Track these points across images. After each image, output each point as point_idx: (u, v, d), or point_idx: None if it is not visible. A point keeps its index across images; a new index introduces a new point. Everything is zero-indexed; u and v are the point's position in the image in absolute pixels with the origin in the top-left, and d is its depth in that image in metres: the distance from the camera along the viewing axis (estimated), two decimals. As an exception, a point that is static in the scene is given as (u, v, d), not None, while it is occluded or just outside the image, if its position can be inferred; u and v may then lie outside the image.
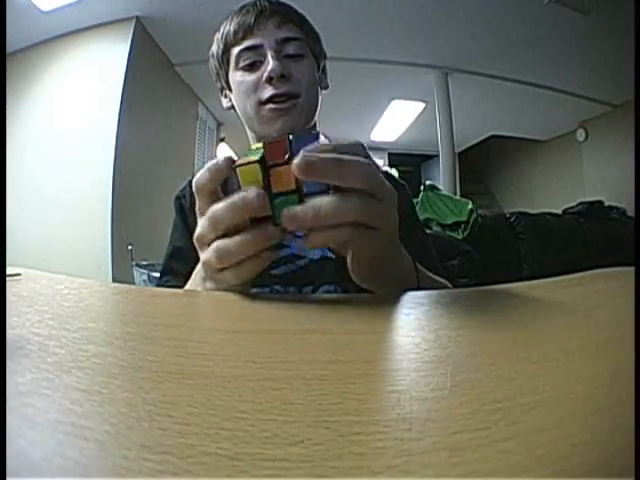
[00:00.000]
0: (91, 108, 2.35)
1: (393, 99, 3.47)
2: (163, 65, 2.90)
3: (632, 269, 0.39)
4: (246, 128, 0.66)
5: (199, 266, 0.37)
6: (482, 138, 4.58)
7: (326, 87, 0.70)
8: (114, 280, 2.10)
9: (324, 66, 0.69)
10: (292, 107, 0.57)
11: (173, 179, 2.79)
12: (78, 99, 2.36)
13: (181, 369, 0.17)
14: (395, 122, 4.02)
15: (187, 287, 0.45)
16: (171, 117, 2.94)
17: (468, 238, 1.97)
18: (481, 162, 5.53)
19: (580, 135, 4.02)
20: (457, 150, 3.94)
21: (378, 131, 4.21)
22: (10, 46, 2.26)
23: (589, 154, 3.98)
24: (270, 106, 0.57)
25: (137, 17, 2.42)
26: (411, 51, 2.56)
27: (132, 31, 2.41)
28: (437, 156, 3.19)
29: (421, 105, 3.60)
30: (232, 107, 0.66)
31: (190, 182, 0.65)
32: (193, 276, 0.42)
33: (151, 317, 0.28)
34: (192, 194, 0.63)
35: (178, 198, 0.69)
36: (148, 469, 0.10)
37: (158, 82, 2.81)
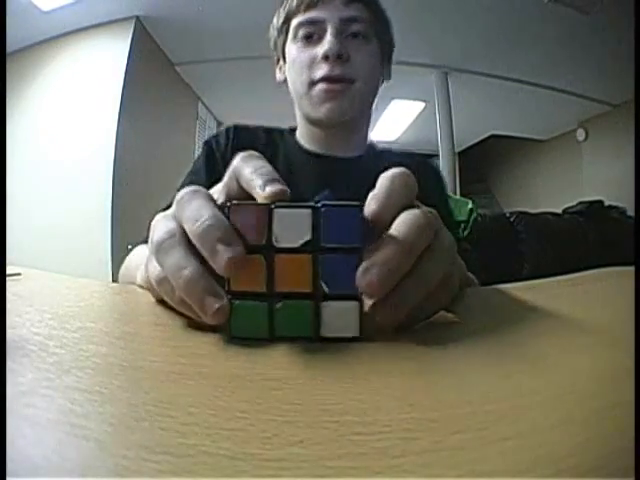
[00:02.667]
0: (91, 108, 2.35)
1: (393, 99, 3.47)
2: (163, 65, 2.90)
3: (632, 269, 0.39)
4: (295, 108, 0.62)
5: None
6: (482, 138, 4.58)
7: (388, 78, 0.65)
8: (114, 280, 2.10)
9: (390, 55, 0.64)
10: (345, 91, 0.53)
11: (173, 179, 2.79)
12: (78, 99, 2.36)
13: (181, 369, 0.17)
14: (395, 122, 4.02)
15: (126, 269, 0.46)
16: (171, 117, 2.94)
17: (468, 238, 1.97)
18: (481, 162, 5.53)
19: (580, 135, 4.02)
20: (457, 150, 3.93)
21: (378, 131, 4.21)
22: (10, 46, 2.26)
23: (589, 154, 3.98)
24: (321, 86, 0.52)
25: (137, 17, 2.42)
26: (411, 51, 2.56)
27: (132, 31, 2.41)
28: (437, 156, 3.18)
29: (421, 105, 3.60)
30: (285, 81, 0.61)
31: (228, 129, 0.61)
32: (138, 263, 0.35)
33: (151, 317, 0.28)
34: (227, 143, 0.57)
35: (208, 142, 0.62)
36: (148, 469, 0.10)
37: (158, 82, 2.80)
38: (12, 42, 2.25)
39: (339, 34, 0.53)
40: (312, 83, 0.54)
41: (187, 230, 0.20)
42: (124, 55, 2.36)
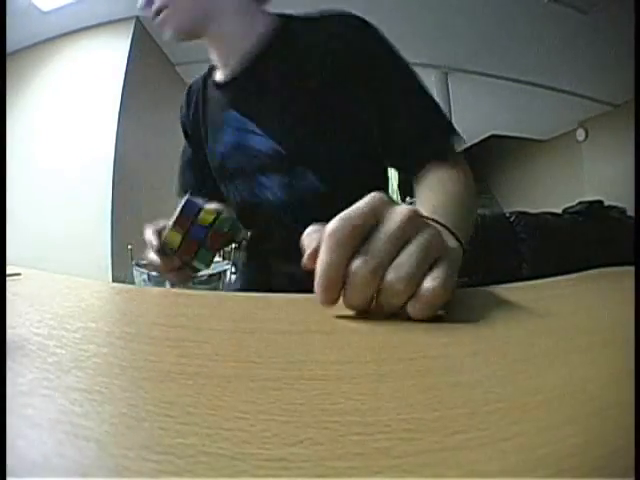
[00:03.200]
0: (91, 108, 2.35)
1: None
2: (163, 65, 2.90)
3: (632, 269, 0.39)
4: None
5: None
6: (482, 138, 4.58)
7: None
8: (114, 280, 2.10)
9: None
10: (163, 19, 0.60)
11: (173, 179, 2.78)
12: (78, 99, 2.36)
13: (181, 369, 0.17)
14: (395, 122, 4.02)
15: None
16: (171, 117, 2.94)
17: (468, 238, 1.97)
18: (481, 162, 5.53)
19: (580, 135, 4.02)
20: (457, 150, 3.93)
21: (378, 131, 4.22)
22: (10, 46, 2.26)
23: (589, 154, 3.98)
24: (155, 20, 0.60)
25: (137, 17, 2.42)
26: (411, 51, 2.56)
27: (132, 31, 2.41)
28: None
29: (421, 105, 3.60)
30: None
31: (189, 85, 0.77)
32: None
33: (151, 317, 0.28)
34: (187, 103, 0.77)
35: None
36: (148, 469, 0.10)
37: (158, 82, 2.81)
38: (12, 42, 2.25)
39: None
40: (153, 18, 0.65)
41: None
42: (124, 55, 2.36)
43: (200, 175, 0.78)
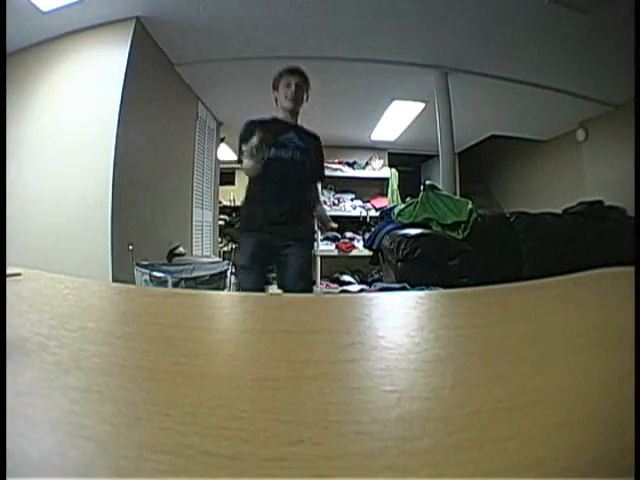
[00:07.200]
0: (91, 108, 2.35)
1: (393, 99, 3.47)
2: (163, 65, 2.90)
3: (632, 269, 0.39)
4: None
5: None
6: (482, 138, 4.58)
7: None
8: (114, 280, 2.10)
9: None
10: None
11: (173, 179, 2.79)
12: (78, 99, 2.36)
13: (181, 369, 0.17)
14: (395, 122, 4.02)
15: None
16: (171, 117, 2.94)
17: (468, 238, 1.97)
18: (481, 162, 5.53)
19: (580, 135, 4.02)
20: (457, 150, 3.93)
21: (378, 131, 4.21)
22: (10, 46, 2.26)
23: (589, 154, 3.97)
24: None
25: (137, 17, 2.42)
26: (411, 51, 2.56)
27: (132, 31, 2.41)
28: (437, 156, 3.18)
29: (421, 105, 3.60)
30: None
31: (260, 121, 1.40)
32: None
33: (151, 317, 0.28)
34: (260, 122, 1.42)
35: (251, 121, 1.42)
36: (148, 469, 0.10)
37: (158, 82, 2.81)
38: (12, 42, 2.24)
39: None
40: (285, 97, 1.43)
41: None
42: (124, 55, 2.36)
43: None
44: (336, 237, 4.05)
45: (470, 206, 2.09)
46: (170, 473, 0.10)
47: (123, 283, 1.08)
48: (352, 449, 0.11)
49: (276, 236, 1.35)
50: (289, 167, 1.39)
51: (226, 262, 2.09)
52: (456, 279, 1.77)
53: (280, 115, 1.45)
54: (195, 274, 1.86)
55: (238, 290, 1.44)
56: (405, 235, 1.94)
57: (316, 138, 1.51)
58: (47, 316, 0.25)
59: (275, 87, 1.46)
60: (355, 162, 4.46)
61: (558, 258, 1.85)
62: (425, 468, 0.10)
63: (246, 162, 1.27)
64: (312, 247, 1.50)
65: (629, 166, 3.02)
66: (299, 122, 1.51)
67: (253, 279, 1.31)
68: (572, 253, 1.93)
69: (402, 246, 1.88)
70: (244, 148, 1.25)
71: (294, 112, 1.46)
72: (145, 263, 1.91)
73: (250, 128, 1.34)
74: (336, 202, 4.20)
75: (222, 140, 3.99)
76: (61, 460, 0.10)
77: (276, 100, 1.46)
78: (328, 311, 0.27)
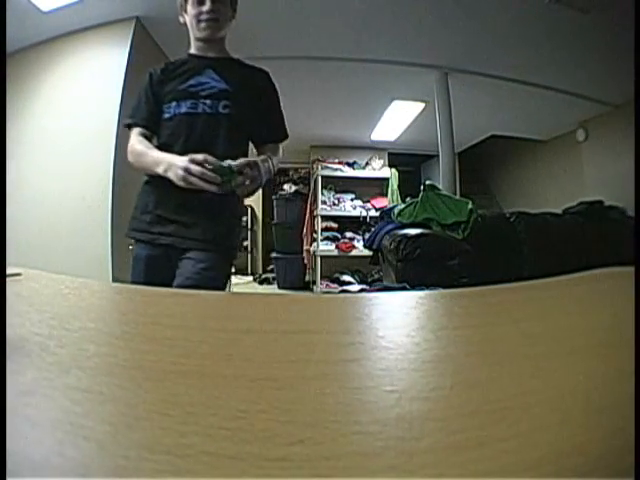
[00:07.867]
0: (91, 108, 2.35)
1: (394, 100, 3.47)
2: (163, 65, 2.91)
3: (632, 269, 0.39)
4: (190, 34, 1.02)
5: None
6: (482, 138, 4.58)
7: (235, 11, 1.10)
8: (114, 280, 2.09)
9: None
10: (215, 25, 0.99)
11: (173, 179, 2.77)
12: (78, 99, 2.36)
13: (181, 369, 0.17)
14: (395, 122, 4.02)
15: (151, 158, 0.96)
16: (171, 117, 2.95)
17: (468, 238, 1.97)
18: (481, 162, 5.53)
19: (580, 135, 4.02)
20: (457, 150, 3.93)
21: (378, 131, 4.22)
22: (10, 46, 2.26)
23: (589, 154, 3.97)
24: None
25: (137, 17, 2.42)
26: (411, 51, 2.56)
27: (132, 31, 2.41)
28: (437, 156, 3.18)
29: (421, 105, 3.60)
30: (184, 23, 1.01)
31: (165, 63, 1.03)
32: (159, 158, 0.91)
33: (151, 317, 0.28)
34: (162, 70, 1.01)
35: (150, 73, 1.00)
36: (148, 469, 0.10)
37: (158, 82, 2.81)
38: (12, 42, 2.24)
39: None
40: (199, 21, 0.96)
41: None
42: (124, 55, 2.36)
43: None
44: (336, 237, 4.06)
45: (470, 206, 2.09)
46: (170, 473, 0.10)
47: (123, 283, 1.08)
48: (352, 449, 0.11)
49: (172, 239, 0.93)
50: (199, 128, 0.91)
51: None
52: (456, 279, 1.77)
53: (192, 49, 0.99)
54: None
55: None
56: (405, 235, 1.94)
57: (260, 74, 1.02)
58: (47, 316, 0.25)
59: (182, 7, 0.96)
60: (355, 162, 4.45)
61: (558, 258, 1.85)
62: (425, 468, 0.10)
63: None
64: (228, 255, 0.98)
65: (629, 166, 3.02)
66: (234, 55, 1.04)
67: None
68: (572, 253, 1.93)
69: (402, 246, 1.88)
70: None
71: (213, 40, 0.97)
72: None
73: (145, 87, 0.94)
74: (336, 202, 4.20)
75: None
76: (61, 460, 0.10)
77: (186, 26, 0.98)
78: (328, 311, 0.27)
